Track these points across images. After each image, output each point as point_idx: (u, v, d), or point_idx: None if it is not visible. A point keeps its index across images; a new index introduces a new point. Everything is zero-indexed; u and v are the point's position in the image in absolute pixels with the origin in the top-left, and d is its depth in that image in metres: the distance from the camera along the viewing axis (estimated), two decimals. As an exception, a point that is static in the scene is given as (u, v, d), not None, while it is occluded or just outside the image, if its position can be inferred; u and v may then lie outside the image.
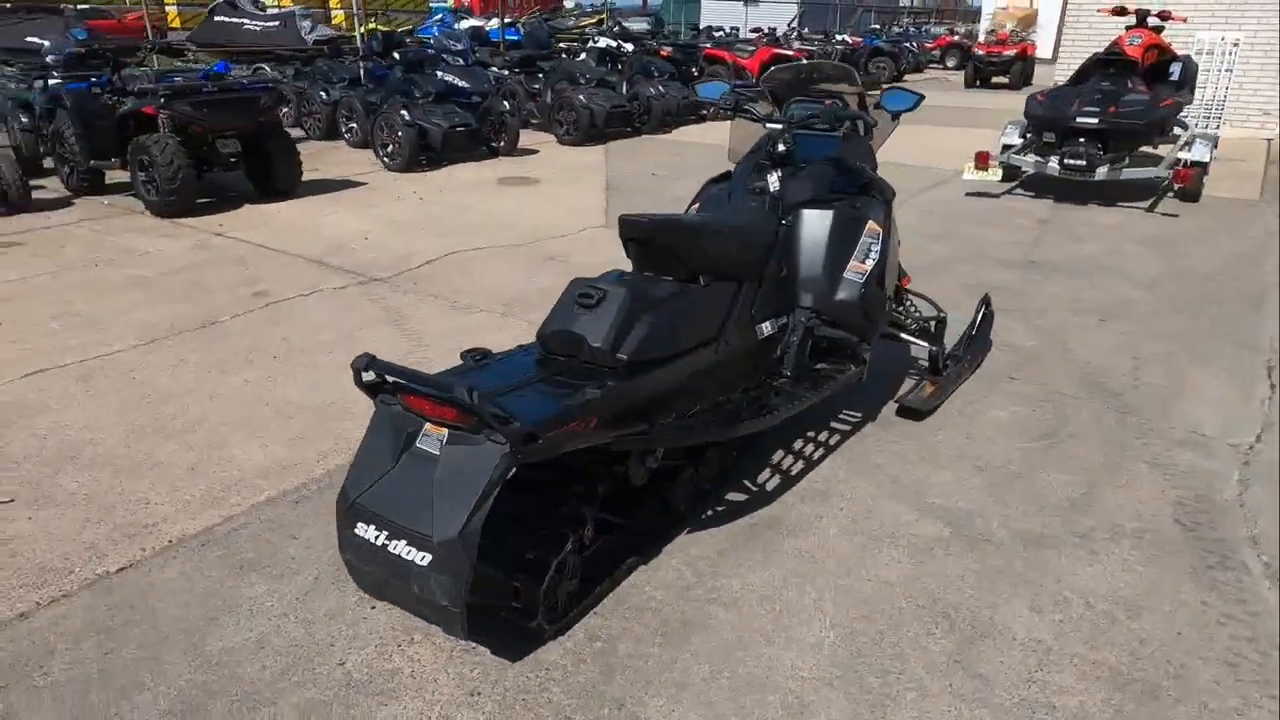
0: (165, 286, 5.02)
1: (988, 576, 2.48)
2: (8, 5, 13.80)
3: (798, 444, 3.20)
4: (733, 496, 2.88)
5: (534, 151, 9.81)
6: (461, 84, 9.39)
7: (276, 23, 15.32)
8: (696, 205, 3.28)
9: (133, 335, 4.27)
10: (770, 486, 2.94)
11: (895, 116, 3.28)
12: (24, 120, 7.82)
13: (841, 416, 3.42)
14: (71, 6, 17.23)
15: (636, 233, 2.46)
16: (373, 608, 2.32)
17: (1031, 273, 5.37)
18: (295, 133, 10.15)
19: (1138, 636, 2.25)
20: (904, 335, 3.56)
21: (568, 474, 2.33)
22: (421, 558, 1.86)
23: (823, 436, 3.27)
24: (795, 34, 17.03)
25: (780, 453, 3.14)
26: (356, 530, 1.98)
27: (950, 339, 3.99)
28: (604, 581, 2.38)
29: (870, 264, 3.06)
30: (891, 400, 3.54)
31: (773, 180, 3.06)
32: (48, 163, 7.71)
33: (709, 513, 2.78)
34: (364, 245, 5.93)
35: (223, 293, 4.91)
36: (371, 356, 1.99)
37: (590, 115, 10.23)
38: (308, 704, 2.02)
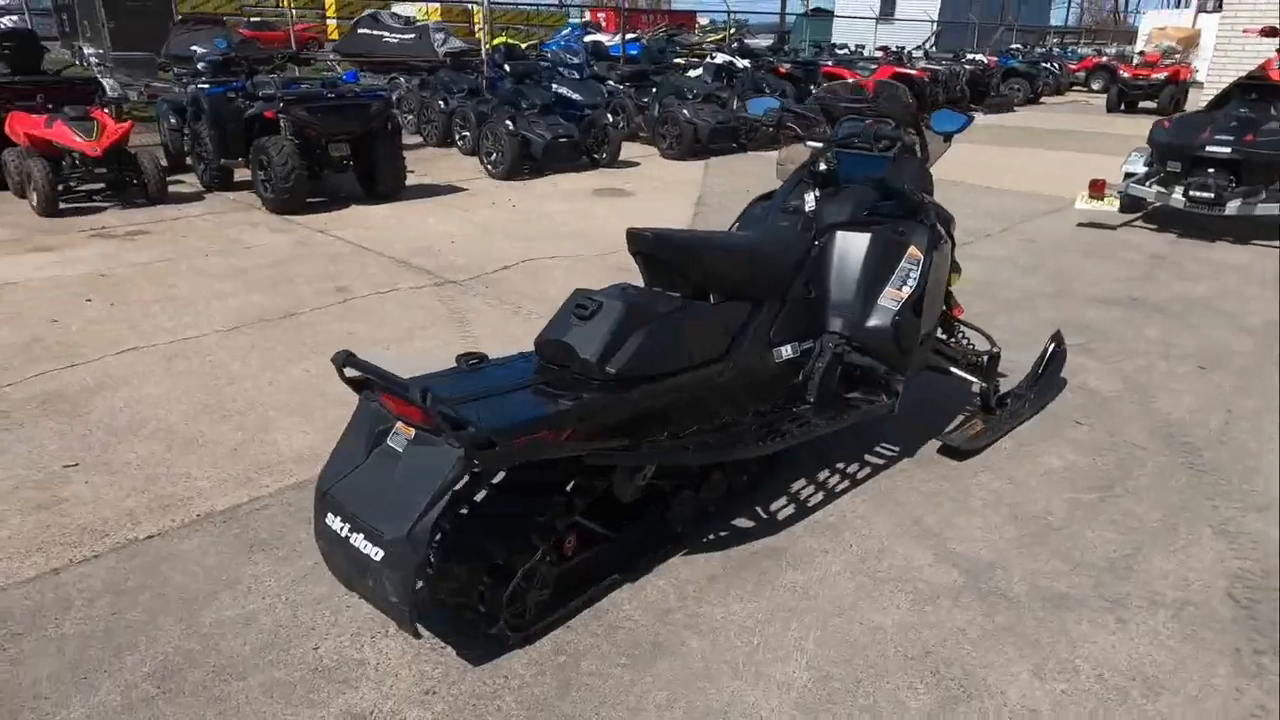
0: (261, 278, 5.38)
1: (993, 634, 2.30)
2: (179, 17, 15.24)
3: (821, 474, 3.07)
4: (739, 522, 2.79)
5: (635, 164, 9.91)
6: (574, 96, 9.67)
7: (413, 35, 16.20)
8: (737, 224, 3.22)
9: (220, 321, 4.59)
10: (781, 515, 2.84)
11: (946, 138, 3.12)
12: (173, 121, 8.61)
13: (876, 449, 3.26)
14: (245, 19, 18.90)
15: (641, 246, 2.44)
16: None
17: (1131, 311, 4.96)
18: (414, 139, 10.72)
19: (1150, 719, 2.02)
20: (952, 369, 3.36)
21: (563, 481, 2.32)
22: (375, 552, 1.90)
23: (851, 469, 3.13)
24: (924, 54, 16.47)
25: (801, 481, 3.03)
26: (327, 519, 2.04)
27: (1017, 377, 3.76)
28: (583, 594, 2.36)
29: (908, 291, 2.91)
30: (935, 437, 3.35)
31: (809, 199, 2.98)
32: (191, 160, 8.44)
33: (710, 536, 2.71)
34: (449, 248, 6.15)
35: (309, 286, 5.21)
36: (349, 353, 2.05)
37: (694, 130, 10.24)
38: (274, 683, 2.09)
